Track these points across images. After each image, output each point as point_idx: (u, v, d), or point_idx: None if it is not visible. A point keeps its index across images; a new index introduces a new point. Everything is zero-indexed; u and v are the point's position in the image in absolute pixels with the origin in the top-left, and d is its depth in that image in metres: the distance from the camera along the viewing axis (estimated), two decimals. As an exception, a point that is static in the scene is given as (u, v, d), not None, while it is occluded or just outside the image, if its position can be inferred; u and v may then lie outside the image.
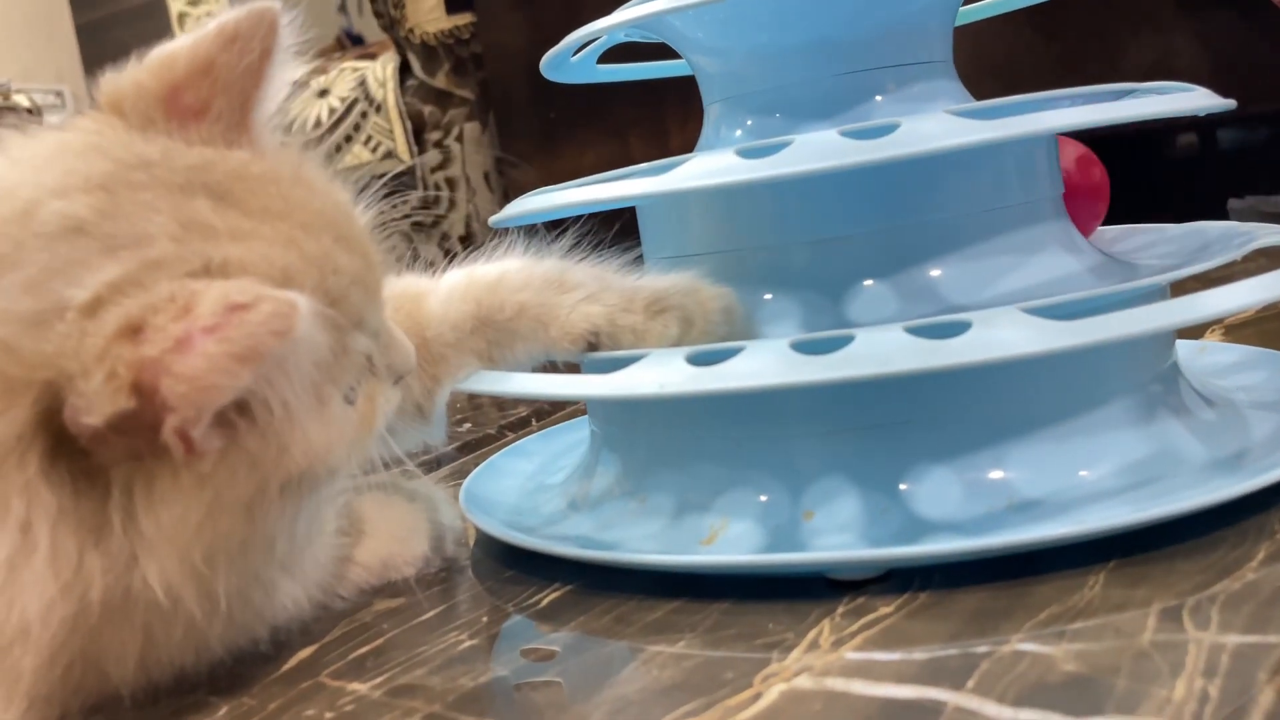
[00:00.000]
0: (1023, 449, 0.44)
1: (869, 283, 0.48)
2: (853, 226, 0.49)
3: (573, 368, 0.51)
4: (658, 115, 1.47)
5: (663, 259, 0.54)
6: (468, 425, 0.86)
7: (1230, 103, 0.48)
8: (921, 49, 0.52)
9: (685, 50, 0.56)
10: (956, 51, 0.54)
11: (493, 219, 0.58)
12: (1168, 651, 0.33)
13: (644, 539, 0.48)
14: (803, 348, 0.42)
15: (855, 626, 0.38)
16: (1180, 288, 0.44)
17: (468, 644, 0.43)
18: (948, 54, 0.53)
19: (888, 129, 0.43)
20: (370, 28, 2.23)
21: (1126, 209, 0.68)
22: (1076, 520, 0.41)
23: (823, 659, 0.36)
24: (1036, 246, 0.49)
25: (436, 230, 1.70)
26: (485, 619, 0.45)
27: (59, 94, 2.62)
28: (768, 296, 0.50)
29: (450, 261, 0.56)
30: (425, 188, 1.68)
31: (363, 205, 0.45)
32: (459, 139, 1.69)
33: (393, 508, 0.52)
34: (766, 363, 0.42)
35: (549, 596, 0.46)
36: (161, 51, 0.40)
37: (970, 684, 0.33)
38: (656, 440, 0.51)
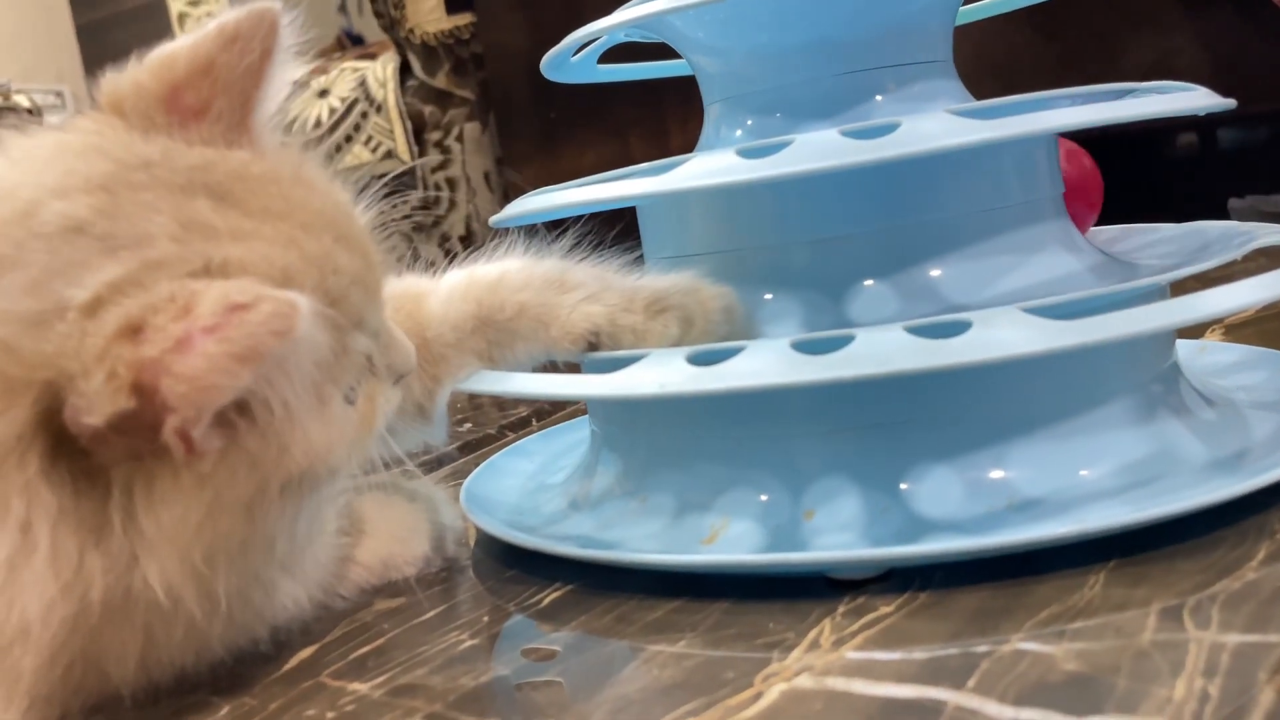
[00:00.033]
0: (1023, 448, 0.44)
1: (869, 282, 0.48)
2: (853, 226, 0.49)
3: (573, 368, 0.51)
4: (658, 115, 1.47)
5: (663, 259, 0.54)
6: (468, 425, 0.86)
7: (1230, 102, 0.48)
8: (922, 49, 0.52)
9: (685, 50, 0.56)
10: (957, 51, 0.54)
11: (493, 219, 0.58)
12: (1168, 651, 0.33)
13: (645, 538, 0.48)
14: (803, 347, 0.42)
15: (856, 626, 0.38)
16: (1180, 287, 0.44)
17: (469, 644, 0.43)
18: (948, 54, 0.53)
19: (888, 129, 0.43)
20: (370, 28, 2.23)
21: (1127, 209, 0.68)
22: (1077, 520, 0.41)
23: (823, 658, 0.36)
24: (1037, 246, 0.49)
25: (437, 230, 1.70)
26: (486, 619, 0.46)
27: (59, 94, 2.62)
28: (768, 296, 0.50)
29: (450, 262, 0.56)
30: (425, 188, 1.68)
31: (363, 205, 0.45)
32: (459, 139, 1.69)
33: (393, 508, 0.52)
34: (767, 362, 0.42)
35: (550, 596, 0.46)
36: (162, 52, 0.40)
37: (971, 683, 0.33)
38: (657, 440, 0.51)
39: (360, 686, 0.40)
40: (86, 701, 0.39)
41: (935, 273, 0.48)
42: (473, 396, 0.95)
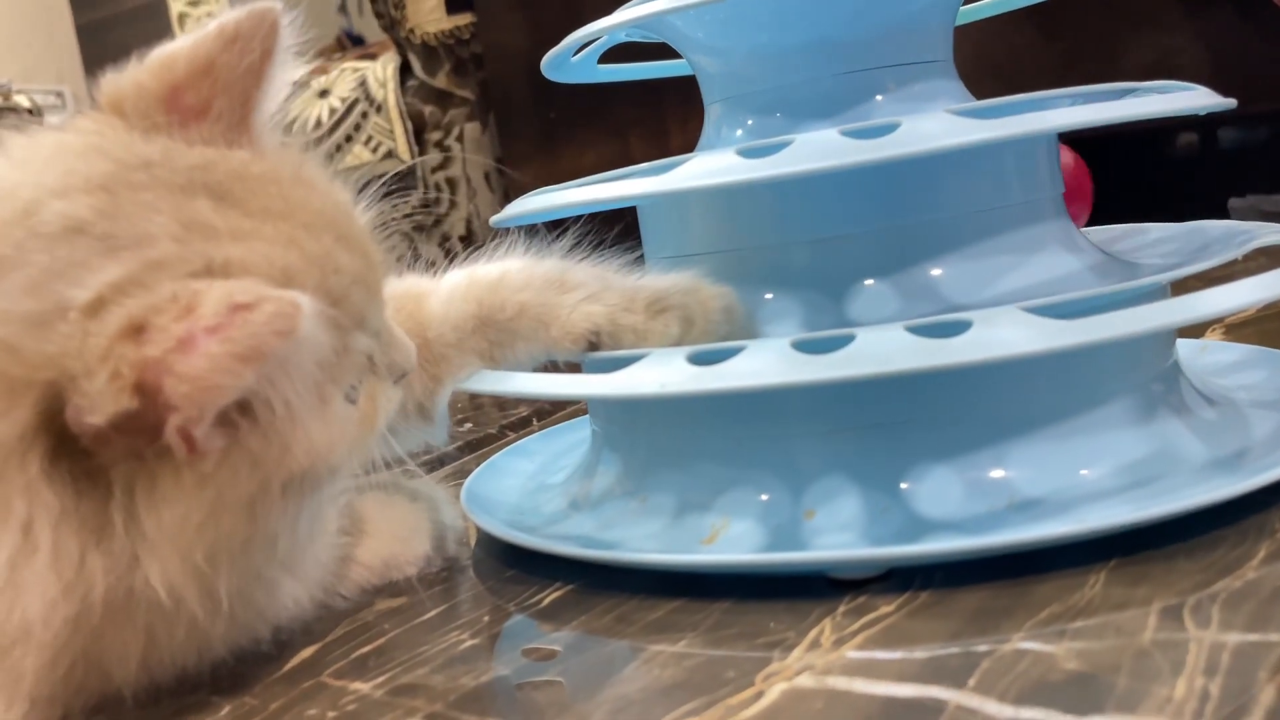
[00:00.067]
0: (1023, 448, 0.44)
1: (870, 282, 0.48)
2: (853, 226, 0.49)
3: (574, 367, 0.51)
4: (658, 115, 1.47)
5: (664, 259, 0.54)
6: (469, 425, 0.86)
7: (1231, 102, 0.48)
8: (922, 48, 0.52)
9: (686, 50, 0.56)
10: (957, 51, 0.54)
11: (494, 219, 0.58)
12: (1168, 650, 0.33)
13: (645, 538, 0.48)
14: (804, 347, 0.42)
15: (856, 625, 0.38)
16: (1181, 287, 0.44)
17: (469, 643, 0.43)
18: (948, 53, 0.53)
19: (888, 128, 0.43)
20: (370, 28, 2.22)
21: (1127, 208, 0.68)
22: (1077, 519, 0.41)
23: (824, 658, 0.36)
24: (1037, 246, 0.49)
25: (437, 230, 1.70)
26: (487, 618, 0.46)
27: (59, 94, 2.62)
28: (769, 296, 0.50)
29: (451, 262, 0.56)
30: (426, 188, 1.68)
31: (363, 205, 0.45)
32: (459, 139, 1.69)
33: (394, 507, 0.52)
34: (767, 362, 0.42)
35: (550, 596, 0.46)
36: (162, 52, 0.40)
37: (971, 683, 0.33)
38: (657, 440, 0.51)
39: (361, 686, 0.40)
40: (88, 702, 0.39)
41: (936, 272, 0.48)
42: (473, 396, 0.95)
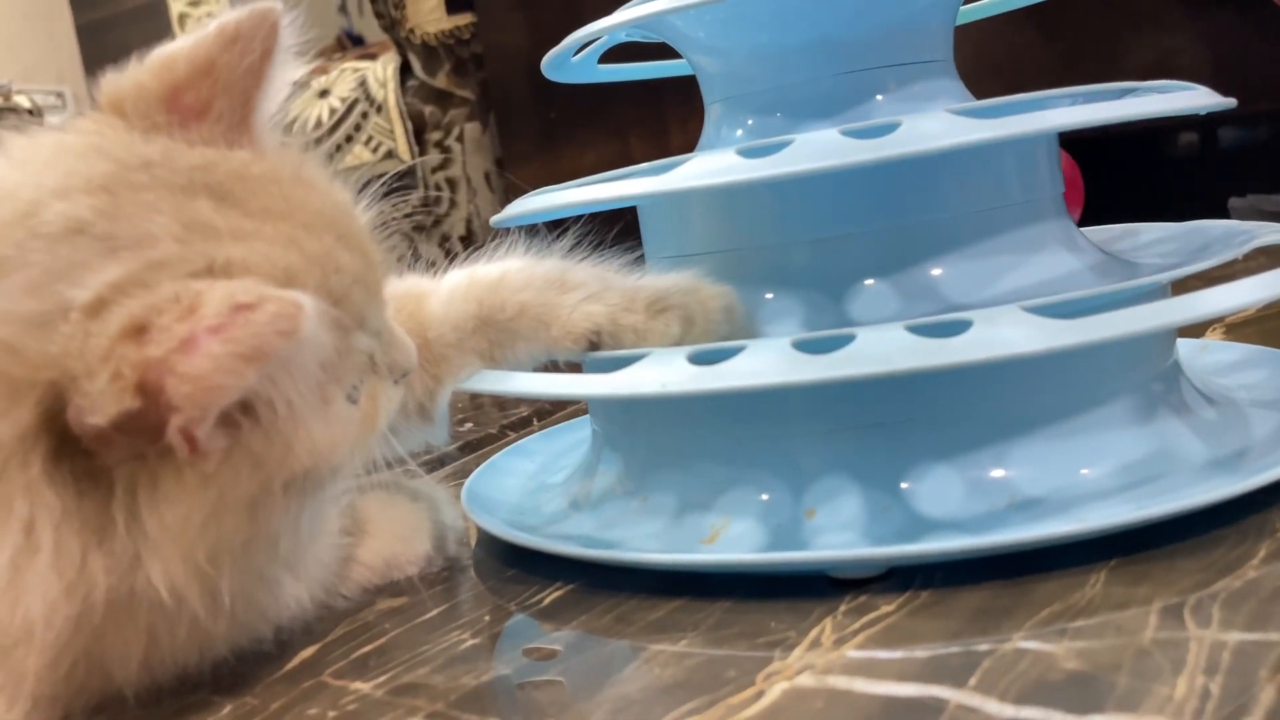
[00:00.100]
0: (1024, 447, 0.44)
1: (870, 281, 0.48)
2: (854, 225, 0.49)
3: (574, 367, 0.52)
4: (658, 115, 1.47)
5: (664, 258, 0.54)
6: (469, 425, 0.86)
7: (1231, 101, 0.48)
8: (922, 48, 0.52)
9: (686, 50, 0.56)
10: (957, 50, 0.54)
11: (494, 219, 0.58)
12: (1169, 649, 0.33)
13: (646, 538, 0.48)
14: (804, 346, 0.42)
15: (857, 625, 0.38)
16: (1181, 286, 0.44)
17: (470, 643, 0.43)
18: (948, 53, 0.53)
19: (889, 128, 0.43)
20: (371, 28, 2.22)
21: (1127, 208, 0.68)
22: (1078, 518, 0.41)
23: (825, 657, 0.36)
24: (1037, 245, 0.49)
25: (437, 230, 1.70)
26: (487, 618, 0.46)
27: (60, 95, 2.62)
28: (769, 295, 0.50)
29: (451, 262, 0.56)
30: (426, 188, 1.68)
31: (363, 205, 0.45)
32: (459, 139, 1.69)
33: (395, 507, 0.52)
34: (768, 362, 0.42)
35: (551, 595, 0.46)
36: (162, 52, 0.40)
37: (972, 682, 0.33)
38: (658, 439, 0.51)
39: (362, 686, 0.40)
40: (90, 701, 0.39)
41: (936, 272, 0.48)
42: (474, 396, 0.95)
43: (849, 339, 0.41)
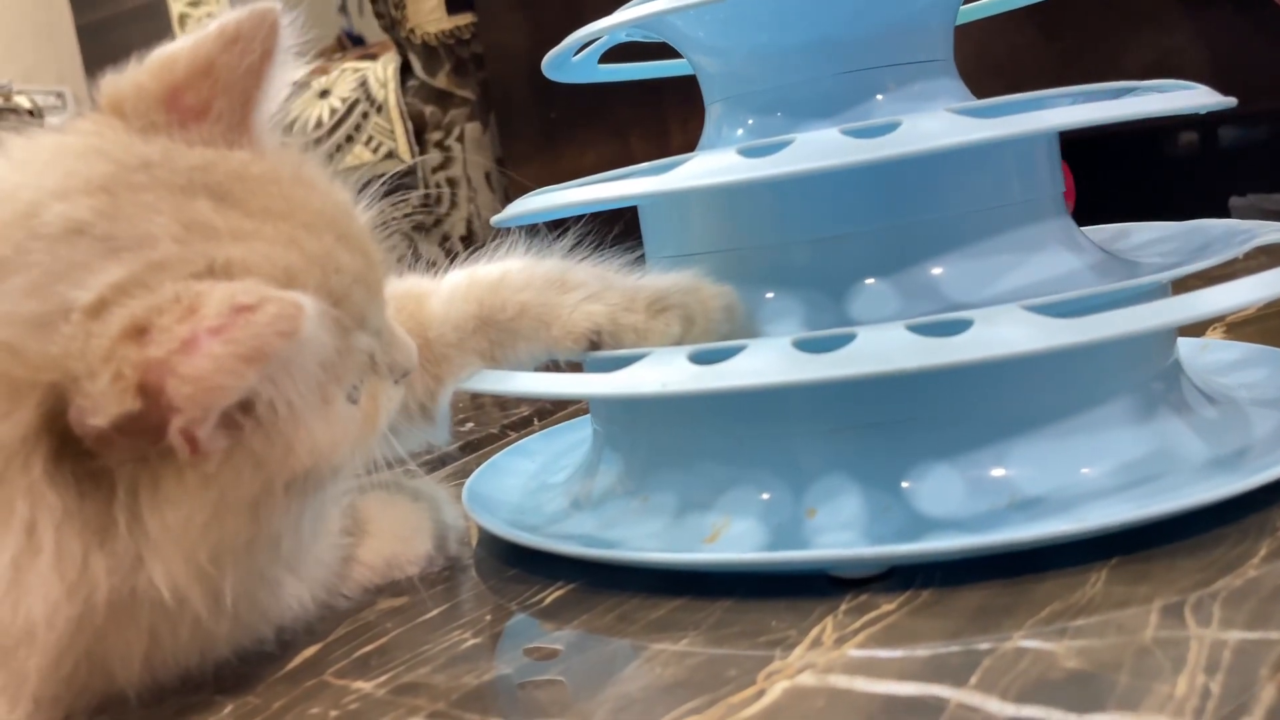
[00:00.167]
0: (1024, 446, 0.44)
1: (870, 281, 0.48)
2: (854, 225, 0.49)
3: (575, 367, 0.52)
4: (658, 115, 1.47)
5: (664, 258, 0.54)
6: (470, 424, 0.86)
7: (1231, 100, 0.48)
8: (922, 48, 0.52)
9: (686, 50, 0.56)
10: (957, 50, 0.54)
11: (494, 219, 0.58)
12: (1170, 648, 0.33)
13: (646, 537, 0.48)
14: (805, 346, 0.42)
15: (858, 624, 0.38)
16: (1182, 285, 0.44)
17: (471, 642, 0.43)
18: (949, 52, 0.53)
19: (889, 128, 0.43)
20: (371, 28, 2.23)
21: (1128, 207, 0.68)
22: (1078, 518, 0.41)
23: (825, 656, 0.36)
24: (1037, 244, 0.49)
25: (438, 230, 1.70)
26: (488, 618, 0.46)
27: (60, 95, 2.62)
28: (769, 295, 0.50)
29: (452, 262, 0.56)
30: (426, 188, 1.68)
31: (363, 205, 0.45)
32: (460, 139, 1.69)
33: (396, 507, 0.52)
34: (768, 361, 0.42)
35: (552, 595, 0.47)
36: (162, 53, 0.40)
37: (973, 681, 0.33)
38: (659, 439, 0.51)
39: (363, 685, 0.40)
40: (91, 702, 0.39)
41: (936, 271, 0.48)
42: (475, 396, 0.95)
43: (849, 338, 0.41)
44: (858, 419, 0.45)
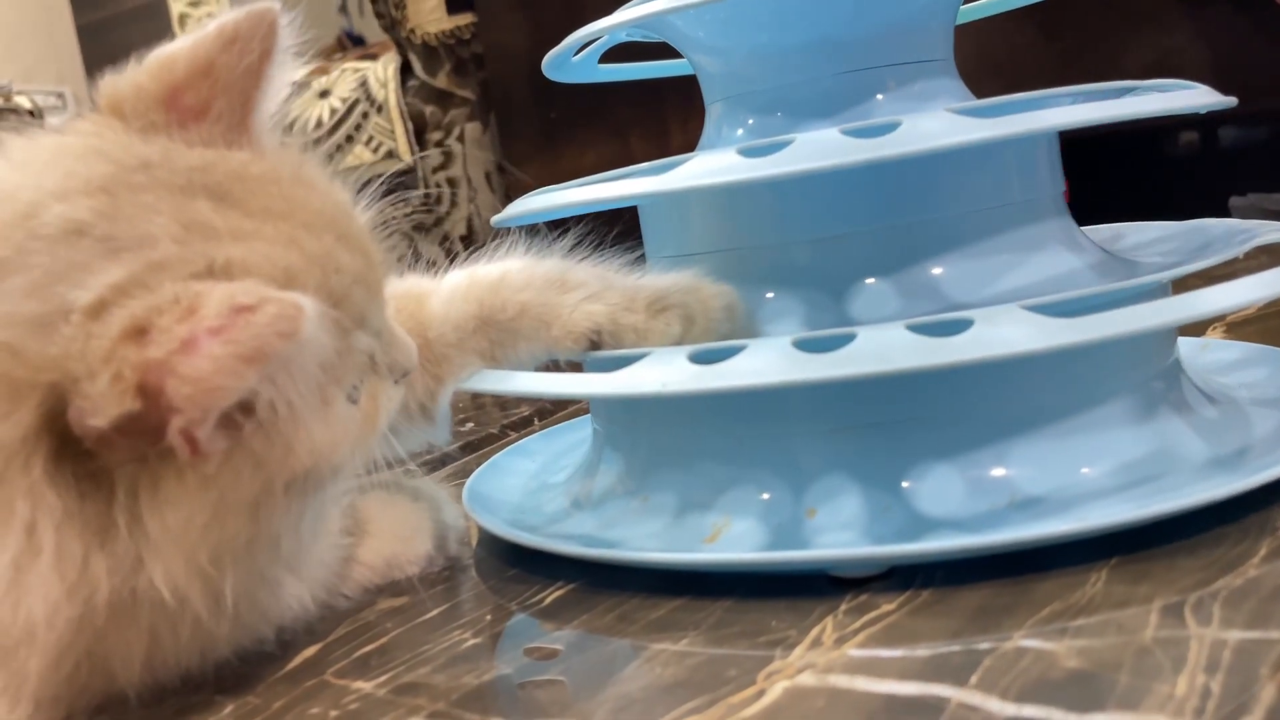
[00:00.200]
0: (1025, 446, 0.44)
1: (871, 281, 0.48)
2: (854, 225, 0.49)
3: (575, 367, 0.52)
4: (658, 115, 1.47)
5: (664, 258, 0.54)
6: (470, 424, 0.86)
7: (1231, 100, 0.48)
8: (922, 47, 0.52)
9: (686, 50, 0.56)
10: (957, 50, 0.54)
11: (495, 219, 0.58)
12: (1170, 647, 0.33)
13: (647, 537, 0.48)
14: (805, 346, 0.42)
15: (858, 624, 0.38)
16: (1182, 285, 0.44)
17: (471, 642, 0.43)
18: (949, 52, 0.53)
19: (889, 127, 0.43)
20: (371, 28, 2.22)
21: (1128, 207, 0.68)
22: (1078, 517, 0.41)
23: (826, 656, 0.36)
24: (1038, 244, 0.49)
25: (438, 230, 1.70)
26: (488, 617, 0.46)
27: (60, 95, 2.62)
28: (769, 295, 0.50)
29: (452, 262, 0.56)
30: (426, 188, 1.68)
31: (363, 205, 0.45)
32: (460, 139, 1.69)
33: (396, 507, 0.52)
34: (768, 361, 0.42)
35: (552, 595, 0.47)
36: (161, 53, 0.40)
37: (973, 680, 0.33)
38: (659, 439, 0.51)
39: (364, 685, 0.40)
40: (92, 702, 0.39)
41: (936, 271, 0.48)
42: (475, 395, 0.95)
43: (850, 338, 0.41)
44: (858, 419, 0.45)
